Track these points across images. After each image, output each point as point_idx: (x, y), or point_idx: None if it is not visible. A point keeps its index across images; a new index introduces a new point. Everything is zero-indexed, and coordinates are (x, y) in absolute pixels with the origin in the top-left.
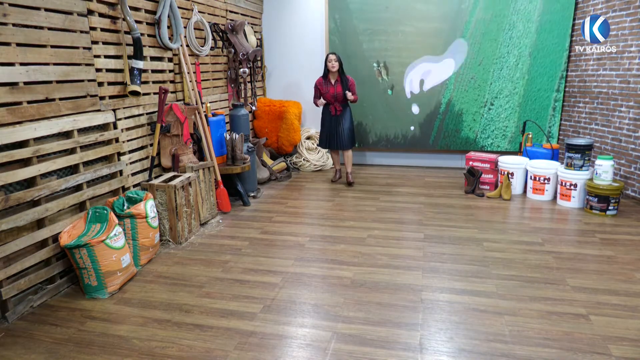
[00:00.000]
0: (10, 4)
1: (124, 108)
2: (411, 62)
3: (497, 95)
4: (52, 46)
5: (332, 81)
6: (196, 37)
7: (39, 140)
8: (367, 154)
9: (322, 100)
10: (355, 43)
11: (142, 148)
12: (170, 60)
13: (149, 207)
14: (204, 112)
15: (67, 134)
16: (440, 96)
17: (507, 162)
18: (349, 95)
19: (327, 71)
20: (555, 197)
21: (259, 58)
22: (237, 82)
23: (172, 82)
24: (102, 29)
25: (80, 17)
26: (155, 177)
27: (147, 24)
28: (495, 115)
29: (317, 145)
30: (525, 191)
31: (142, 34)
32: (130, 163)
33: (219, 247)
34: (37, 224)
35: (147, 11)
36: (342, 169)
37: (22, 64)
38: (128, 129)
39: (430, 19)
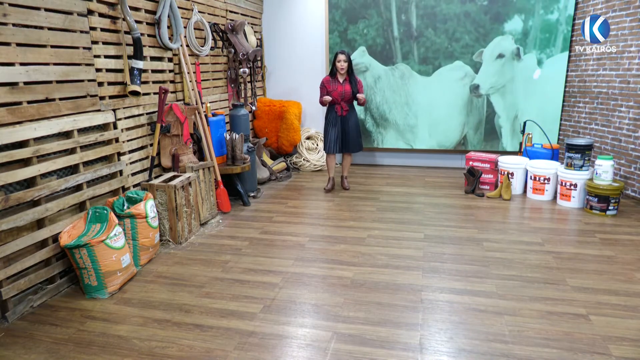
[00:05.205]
0: (10, 4)
1: (124, 108)
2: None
3: None
4: (52, 46)
5: (341, 80)
6: (196, 37)
7: (39, 140)
8: (367, 154)
9: (327, 97)
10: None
11: (142, 148)
12: (170, 60)
13: (149, 207)
14: (204, 112)
15: (67, 134)
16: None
17: (507, 162)
18: (361, 96)
19: (335, 70)
20: (555, 197)
21: (259, 58)
22: (237, 82)
23: (172, 82)
24: (102, 29)
25: (80, 17)
26: (155, 177)
27: (147, 24)
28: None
29: (324, 150)
30: (525, 191)
31: (142, 34)
32: (130, 163)
33: (219, 247)
34: (37, 224)
35: (147, 11)
36: (336, 177)
37: (22, 64)
38: (128, 129)
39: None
